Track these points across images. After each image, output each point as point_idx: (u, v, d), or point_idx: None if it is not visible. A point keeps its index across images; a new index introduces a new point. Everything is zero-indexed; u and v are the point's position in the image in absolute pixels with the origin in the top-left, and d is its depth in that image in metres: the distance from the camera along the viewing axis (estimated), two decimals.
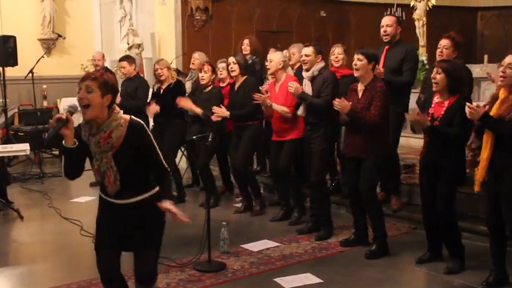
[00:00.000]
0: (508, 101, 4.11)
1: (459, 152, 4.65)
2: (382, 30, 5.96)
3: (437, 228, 4.81)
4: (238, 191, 7.00)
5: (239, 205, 6.83)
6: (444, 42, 5.35)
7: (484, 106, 4.25)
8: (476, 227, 5.32)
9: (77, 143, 3.19)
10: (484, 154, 4.20)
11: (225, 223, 5.34)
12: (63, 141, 3.18)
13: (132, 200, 3.31)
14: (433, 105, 4.65)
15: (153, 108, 6.97)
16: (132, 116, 3.31)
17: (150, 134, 3.33)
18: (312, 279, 4.64)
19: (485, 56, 10.06)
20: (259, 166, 7.75)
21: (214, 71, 6.82)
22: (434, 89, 4.63)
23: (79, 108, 3.22)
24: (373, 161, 5.08)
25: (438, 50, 5.38)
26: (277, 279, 4.63)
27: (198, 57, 7.49)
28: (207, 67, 6.76)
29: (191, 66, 7.60)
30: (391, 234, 5.37)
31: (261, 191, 6.92)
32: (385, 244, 5.19)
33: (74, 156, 3.24)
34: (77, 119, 3.29)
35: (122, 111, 3.28)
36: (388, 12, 10.36)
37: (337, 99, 5.03)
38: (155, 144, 3.32)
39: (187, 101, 6.74)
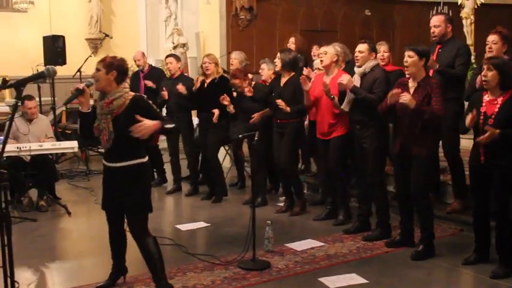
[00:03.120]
0: None
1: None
2: (431, 30, 5.89)
3: (487, 230, 4.73)
4: (282, 190, 7.00)
5: (282, 204, 6.82)
6: (492, 38, 5.27)
7: None
8: None
9: (90, 109, 4.09)
10: None
11: (269, 222, 5.33)
12: (80, 107, 4.08)
13: (119, 164, 4.05)
14: (484, 104, 4.55)
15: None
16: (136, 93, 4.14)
17: (153, 106, 4.11)
18: (357, 279, 4.61)
19: None
20: (304, 165, 7.72)
21: (245, 74, 6.90)
22: (485, 86, 4.55)
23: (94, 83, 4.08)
24: (425, 160, 4.97)
25: (487, 47, 5.29)
26: (322, 279, 4.61)
27: (236, 56, 7.46)
28: (240, 81, 6.81)
29: (231, 66, 7.56)
30: (437, 236, 5.28)
31: (304, 191, 6.89)
32: (431, 246, 5.11)
33: (88, 119, 4.10)
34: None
35: (128, 88, 4.18)
36: (435, 11, 10.22)
37: (403, 94, 4.85)
38: (158, 113, 4.14)
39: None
